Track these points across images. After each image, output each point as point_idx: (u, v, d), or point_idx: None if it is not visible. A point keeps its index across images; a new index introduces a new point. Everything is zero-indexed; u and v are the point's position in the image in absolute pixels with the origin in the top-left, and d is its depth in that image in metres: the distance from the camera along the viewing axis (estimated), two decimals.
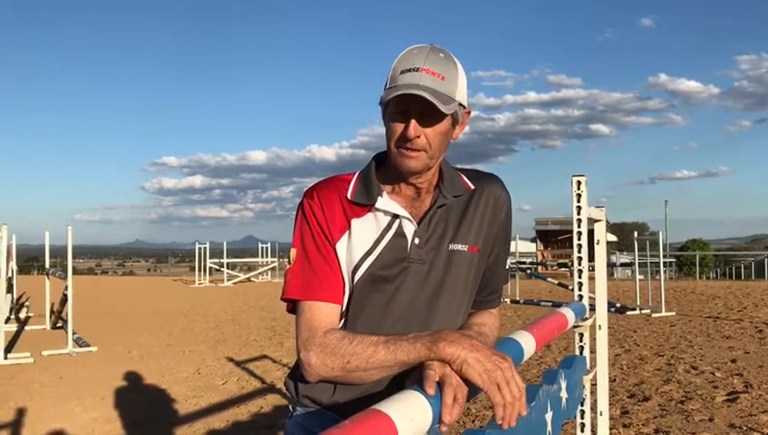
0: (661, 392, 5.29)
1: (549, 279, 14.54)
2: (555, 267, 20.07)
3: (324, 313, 1.26)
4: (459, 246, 1.33)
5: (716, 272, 31.07)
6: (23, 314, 12.08)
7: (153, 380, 6.34)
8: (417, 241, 1.31)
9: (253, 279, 24.57)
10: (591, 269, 2.49)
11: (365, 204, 1.32)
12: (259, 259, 26.67)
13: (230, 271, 24.48)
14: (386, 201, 1.31)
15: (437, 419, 0.95)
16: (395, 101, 1.23)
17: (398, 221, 1.32)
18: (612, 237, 33.69)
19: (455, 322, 1.35)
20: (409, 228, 1.32)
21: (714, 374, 5.92)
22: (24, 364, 7.21)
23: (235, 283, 23.19)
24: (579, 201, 2.25)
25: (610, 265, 22.36)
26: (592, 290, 2.35)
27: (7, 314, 9.75)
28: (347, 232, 1.31)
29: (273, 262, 25.72)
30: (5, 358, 7.33)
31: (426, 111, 1.22)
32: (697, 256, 27.60)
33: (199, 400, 5.52)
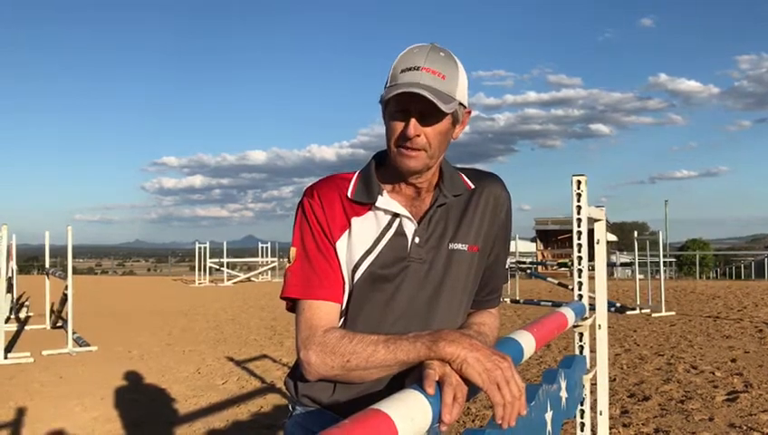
0: (661, 392, 5.29)
1: (549, 279, 14.53)
2: (555, 267, 20.04)
3: (324, 311, 1.26)
4: (459, 246, 1.33)
5: (716, 272, 31.08)
6: (23, 314, 12.08)
7: (153, 379, 6.34)
8: (417, 240, 1.31)
9: (253, 279, 24.58)
10: (591, 269, 2.49)
11: (365, 203, 1.31)
12: (259, 259, 26.70)
13: (230, 271, 24.48)
14: (386, 200, 1.31)
15: (437, 418, 0.95)
16: (395, 100, 1.22)
17: (398, 220, 1.32)
18: (612, 237, 33.68)
19: (454, 321, 1.35)
20: (410, 227, 1.31)
21: (714, 374, 5.92)
22: (24, 364, 7.21)
23: (235, 282, 23.19)
24: (579, 201, 2.25)
25: (610, 265, 22.34)
26: (592, 290, 2.34)
27: (7, 314, 9.75)
28: (347, 231, 1.30)
29: (273, 262, 25.73)
30: (5, 358, 7.33)
31: (426, 110, 1.22)
32: (697, 256, 27.60)
33: (199, 399, 5.52)
